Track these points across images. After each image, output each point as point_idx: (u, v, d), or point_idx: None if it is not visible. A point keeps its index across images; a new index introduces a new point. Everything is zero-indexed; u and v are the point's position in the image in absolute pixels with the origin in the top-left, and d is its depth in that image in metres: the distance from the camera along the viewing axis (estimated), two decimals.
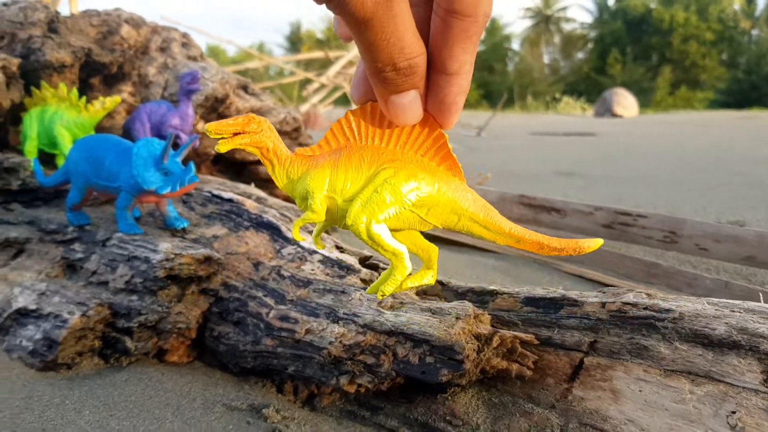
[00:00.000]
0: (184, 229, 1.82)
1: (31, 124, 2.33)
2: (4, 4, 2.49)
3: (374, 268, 1.64)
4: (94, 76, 2.55)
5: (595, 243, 0.82)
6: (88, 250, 1.80)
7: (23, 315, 1.67)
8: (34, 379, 1.46)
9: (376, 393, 1.41)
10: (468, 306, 1.32)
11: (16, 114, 2.45)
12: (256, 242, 1.72)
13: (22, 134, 2.38)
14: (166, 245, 1.61)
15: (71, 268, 1.82)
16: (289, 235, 1.75)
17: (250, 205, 1.92)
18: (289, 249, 1.69)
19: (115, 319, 1.61)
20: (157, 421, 1.27)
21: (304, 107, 8.22)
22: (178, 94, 2.22)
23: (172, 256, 1.58)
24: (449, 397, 1.33)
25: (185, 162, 1.78)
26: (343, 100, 11.55)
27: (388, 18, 0.56)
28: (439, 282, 1.56)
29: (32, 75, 2.46)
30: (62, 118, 2.27)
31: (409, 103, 0.66)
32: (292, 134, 2.65)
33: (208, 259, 1.60)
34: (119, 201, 1.73)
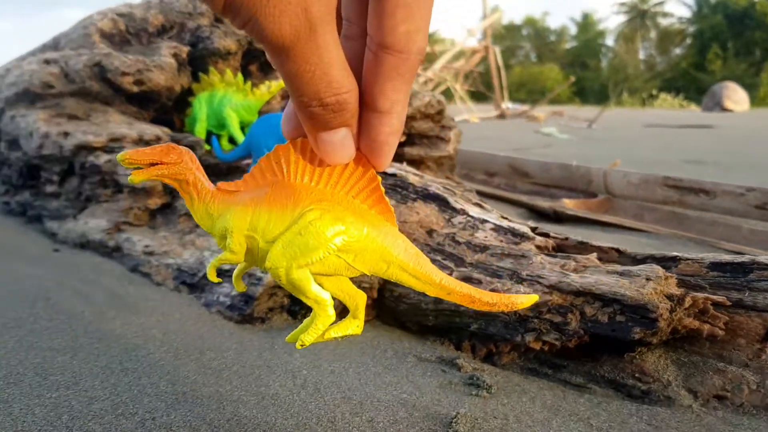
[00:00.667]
0: None
1: (201, 108, 2.53)
2: None
3: (546, 235, 1.71)
4: (252, 63, 2.74)
5: (528, 299, 0.77)
6: None
7: (217, 275, 1.84)
8: (237, 330, 1.62)
9: (557, 352, 1.47)
10: (657, 268, 1.37)
11: (183, 99, 2.67)
12: (426, 212, 1.82)
13: (191, 117, 2.59)
14: None
15: None
16: (457, 205, 1.85)
17: (413, 179, 2.03)
18: (459, 218, 1.78)
19: None
20: (361, 365, 1.39)
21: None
22: None
23: None
24: (636, 356, 1.38)
25: None
26: (447, 94, 11.66)
27: (311, 49, 0.51)
28: (615, 250, 1.61)
29: (199, 62, 2.67)
30: (231, 101, 2.46)
31: (340, 141, 0.61)
32: (435, 117, 2.75)
33: None
34: None
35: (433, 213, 1.83)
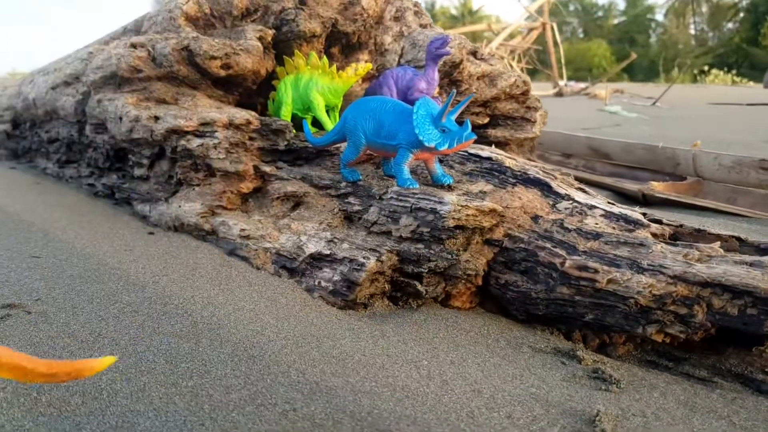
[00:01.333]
0: (450, 185, 1.92)
1: (287, 91, 2.53)
2: None
3: (658, 222, 1.65)
4: (334, 45, 2.73)
5: (101, 363, 0.71)
6: (364, 203, 1.95)
7: (317, 259, 1.84)
8: (344, 316, 1.62)
9: (676, 344, 1.43)
10: None
11: (265, 83, 2.67)
12: (528, 197, 1.79)
13: (276, 101, 2.60)
14: (452, 197, 1.71)
15: (349, 219, 1.98)
16: (560, 190, 1.80)
17: (510, 162, 1.99)
18: (565, 204, 1.74)
19: (403, 265, 1.74)
20: (478, 356, 1.37)
21: None
22: (425, 59, 2.32)
23: (459, 207, 1.68)
24: (766, 350, 1.33)
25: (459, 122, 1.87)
26: None
27: None
28: (736, 238, 1.55)
29: (282, 45, 2.66)
30: (317, 84, 2.45)
31: None
32: (520, 98, 2.70)
33: (492, 211, 1.69)
34: (398, 157, 1.85)
35: (536, 198, 1.79)
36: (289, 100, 2.53)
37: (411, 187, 1.86)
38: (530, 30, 10.95)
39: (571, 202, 1.74)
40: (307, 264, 1.86)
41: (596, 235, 1.58)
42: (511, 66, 10.30)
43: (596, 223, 1.64)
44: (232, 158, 2.24)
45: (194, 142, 2.30)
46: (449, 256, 1.67)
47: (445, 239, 1.68)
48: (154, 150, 2.52)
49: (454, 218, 1.66)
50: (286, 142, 2.31)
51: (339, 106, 2.55)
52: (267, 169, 2.23)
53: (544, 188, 1.83)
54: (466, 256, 1.67)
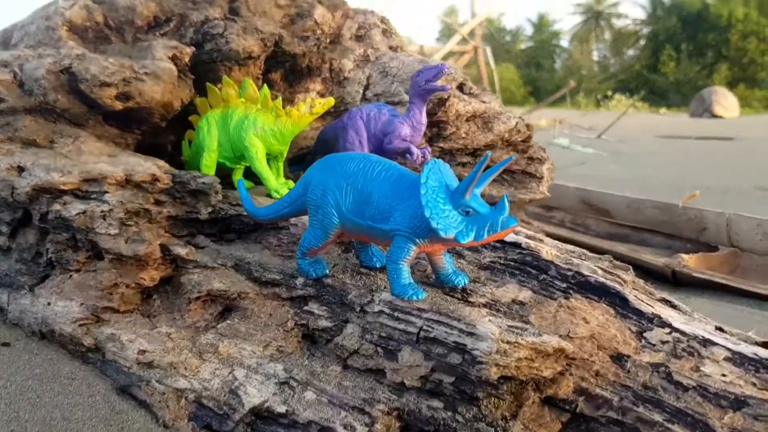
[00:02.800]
0: (464, 288, 1.27)
1: (210, 131, 1.83)
2: None
3: None
4: (275, 69, 2.04)
5: None
6: (336, 315, 1.27)
7: (264, 419, 1.15)
8: None
9: None
10: None
11: (181, 115, 1.96)
12: (597, 318, 1.16)
13: (196, 143, 1.89)
14: (490, 328, 1.06)
15: (311, 339, 1.30)
16: (642, 307, 1.18)
17: (547, 252, 1.36)
18: (660, 333, 1.12)
19: None
20: None
21: None
22: (410, 94, 1.68)
23: (506, 345, 1.03)
24: None
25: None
26: None
27: None
28: None
29: (204, 68, 1.96)
30: (255, 124, 1.76)
31: None
32: (520, 146, 2.08)
33: (558, 352, 1.05)
34: (394, 251, 1.19)
35: (609, 320, 1.16)
36: (213, 145, 1.82)
37: (415, 298, 1.19)
38: (462, 53, 10.54)
39: (668, 330, 1.12)
40: (248, 426, 1.16)
41: (738, 401, 0.96)
42: None
43: (723, 374, 1.02)
44: (128, 234, 1.51)
45: (73, 208, 1.56)
46: (491, 429, 1.01)
47: (481, 397, 1.03)
48: (17, 215, 1.75)
49: (497, 365, 1.01)
50: (210, 209, 1.61)
51: (284, 155, 1.86)
52: (181, 251, 1.51)
53: (617, 302, 1.20)
54: (517, 428, 1.02)
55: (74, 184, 1.59)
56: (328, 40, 2.08)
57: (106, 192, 1.56)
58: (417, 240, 1.17)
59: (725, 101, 14.69)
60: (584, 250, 1.50)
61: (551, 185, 3.06)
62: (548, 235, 2.69)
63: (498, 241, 1.42)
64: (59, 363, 1.45)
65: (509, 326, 1.09)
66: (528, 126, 2.05)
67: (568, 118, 11.09)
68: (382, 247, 1.38)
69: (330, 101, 1.72)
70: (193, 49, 1.90)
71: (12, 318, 1.65)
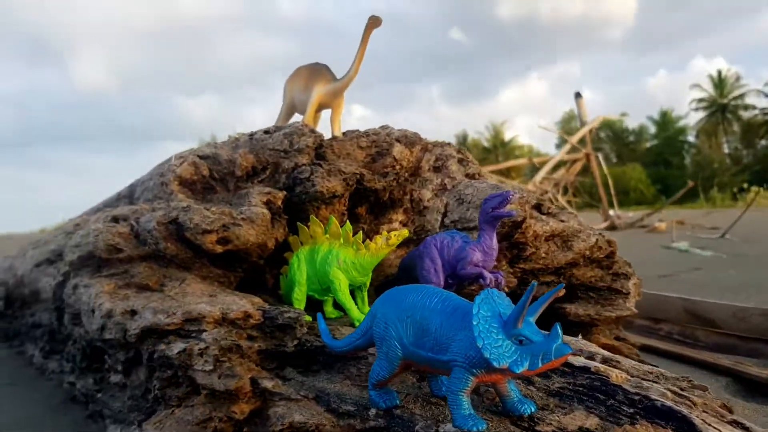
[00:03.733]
0: (531, 416, 1.26)
1: (300, 267, 1.96)
2: (266, 132, 2.24)
3: None
4: (361, 204, 2.19)
5: None
6: None
7: None
8: None
9: None
10: None
11: (280, 251, 2.12)
12: None
13: (289, 279, 2.03)
14: None
15: None
16: (708, 431, 1.12)
17: (617, 377, 1.33)
18: None
19: None
20: None
21: None
22: (479, 220, 1.75)
23: None
24: None
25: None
26: None
27: None
28: None
29: (297, 209, 2.13)
30: (338, 258, 1.88)
31: None
32: (604, 262, 2.07)
33: None
34: (453, 381, 1.22)
35: None
36: (303, 279, 1.95)
37: (475, 429, 1.20)
38: (574, 161, 10.53)
39: None
40: None
41: None
42: (557, 199, 9.81)
43: None
44: (222, 370, 1.63)
45: (175, 347, 1.71)
46: None
47: None
48: (129, 354, 1.94)
49: None
50: (296, 342, 1.71)
51: (368, 284, 1.96)
52: (269, 384, 1.61)
53: (683, 427, 1.15)
54: None
55: (177, 324, 1.75)
56: (407, 174, 2.22)
57: (204, 330, 1.70)
58: (474, 370, 1.19)
59: None
60: (663, 371, 1.45)
61: (654, 296, 2.95)
62: (651, 350, 2.58)
63: (567, 366, 1.41)
64: None
65: None
66: (609, 242, 2.04)
67: (692, 218, 10.60)
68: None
69: (404, 233, 1.81)
70: (285, 193, 2.09)
71: None
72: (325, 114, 2.40)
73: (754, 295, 3.61)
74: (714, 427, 1.15)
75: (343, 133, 2.31)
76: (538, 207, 2.12)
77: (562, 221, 2.06)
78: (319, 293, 1.97)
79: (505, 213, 1.69)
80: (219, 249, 1.98)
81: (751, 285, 3.96)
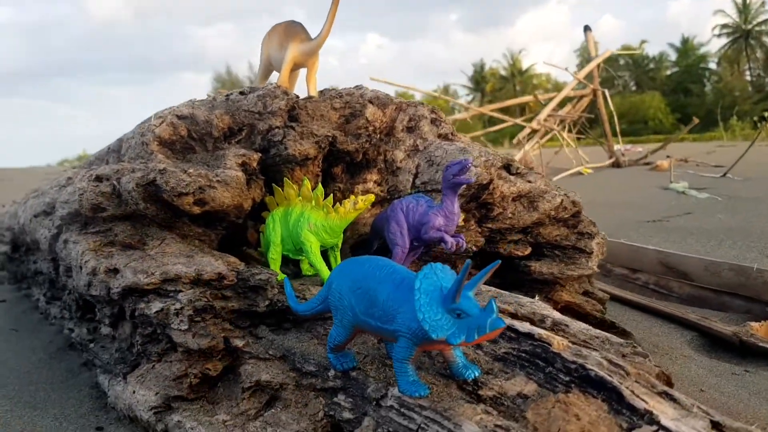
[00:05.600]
0: (475, 380, 1.36)
1: (275, 227, 2.04)
2: (241, 93, 2.27)
3: None
4: (335, 165, 2.24)
5: None
6: (357, 407, 1.40)
7: None
8: None
9: None
10: None
11: (256, 214, 2.20)
12: (590, 415, 1.20)
13: (265, 238, 2.11)
14: (473, 429, 1.14)
15: (337, 429, 1.43)
16: (636, 402, 1.21)
17: (558, 344, 1.41)
18: (646, 430, 1.14)
19: None
20: None
21: (518, 155, 7.65)
22: (442, 186, 1.80)
23: None
24: None
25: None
26: (553, 142, 10.89)
27: None
28: None
29: (272, 169, 2.19)
30: (309, 221, 1.95)
31: None
32: (570, 221, 2.13)
33: None
34: (398, 350, 1.31)
35: (601, 417, 1.20)
36: (277, 240, 2.03)
37: (417, 395, 1.30)
38: (580, 98, 10.38)
39: (655, 427, 1.15)
40: None
41: None
42: (561, 137, 9.74)
43: None
44: (196, 329, 1.73)
45: (154, 306, 1.81)
46: None
47: None
48: (114, 309, 2.05)
49: None
50: (267, 302, 1.80)
51: (339, 245, 2.04)
52: (240, 343, 1.71)
53: (613, 397, 1.24)
54: None
55: (155, 284, 1.84)
56: (381, 134, 2.26)
57: (180, 291, 1.79)
58: (416, 341, 1.28)
59: None
60: (609, 336, 1.53)
61: (631, 247, 3.02)
62: (623, 301, 2.66)
63: (512, 331, 1.49)
64: None
65: (495, 426, 1.17)
66: (574, 203, 2.09)
67: (698, 154, 10.50)
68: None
69: (370, 198, 1.88)
70: (261, 155, 2.14)
71: (110, 402, 1.92)
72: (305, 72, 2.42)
73: (740, 243, 3.66)
74: (641, 398, 1.24)
75: (320, 92, 2.33)
76: (507, 167, 2.16)
77: (530, 182, 2.11)
78: (293, 253, 2.05)
79: (464, 180, 1.74)
80: (197, 210, 2.05)
81: (738, 231, 4.00)
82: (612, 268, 3.05)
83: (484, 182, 2.01)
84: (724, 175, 7.45)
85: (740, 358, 2.06)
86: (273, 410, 1.55)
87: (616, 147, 10.89)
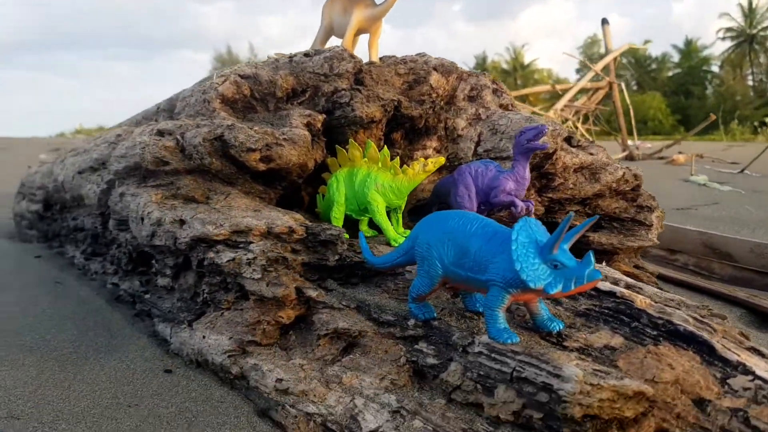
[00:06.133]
0: (559, 333, 1.40)
1: (338, 187, 2.08)
2: (306, 55, 2.30)
3: None
4: (396, 130, 2.27)
5: None
6: (441, 354, 1.44)
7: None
8: None
9: None
10: None
11: (316, 171, 2.23)
12: (683, 365, 1.24)
13: (327, 198, 2.14)
14: (574, 371, 1.18)
15: (420, 374, 1.47)
16: (728, 355, 1.25)
17: (641, 301, 1.45)
18: (743, 380, 1.19)
19: None
20: None
21: None
22: (513, 152, 1.84)
23: (589, 386, 1.15)
24: None
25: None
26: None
27: None
28: None
29: (335, 131, 2.22)
30: (376, 181, 1.98)
31: None
32: (629, 195, 2.17)
33: (639, 394, 1.15)
34: (490, 299, 1.35)
35: (695, 367, 1.24)
36: (341, 200, 2.07)
37: (509, 342, 1.34)
38: (596, 90, 10.42)
39: (750, 377, 1.19)
40: None
41: None
42: (576, 128, 9.77)
43: None
44: (269, 278, 1.77)
45: (224, 256, 1.84)
46: None
47: None
48: (179, 260, 2.08)
49: (580, 404, 1.13)
50: (337, 257, 1.84)
51: (402, 207, 2.07)
52: (313, 293, 1.75)
53: (704, 350, 1.28)
54: None
55: (225, 235, 1.88)
56: (443, 102, 2.29)
57: (251, 242, 1.83)
58: (510, 290, 1.32)
59: None
60: (684, 299, 1.57)
61: (673, 228, 3.06)
62: (667, 279, 2.71)
63: (594, 290, 1.53)
64: (211, 388, 1.72)
65: (594, 369, 1.21)
66: (636, 176, 2.13)
67: (712, 151, 10.55)
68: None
69: (441, 160, 1.91)
70: (325, 116, 2.17)
71: (173, 348, 1.96)
72: (363, 38, 2.45)
73: None
74: (733, 352, 1.28)
75: (380, 59, 2.36)
76: (568, 139, 2.20)
77: (591, 154, 2.15)
78: (356, 213, 2.09)
79: (539, 146, 1.78)
80: (262, 167, 2.08)
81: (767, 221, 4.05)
82: (649, 249, 3.09)
83: (550, 152, 2.05)
84: (743, 171, 7.50)
85: None
86: (351, 356, 1.59)
87: (629, 142, 10.93)
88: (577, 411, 1.13)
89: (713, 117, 9.03)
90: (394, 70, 2.25)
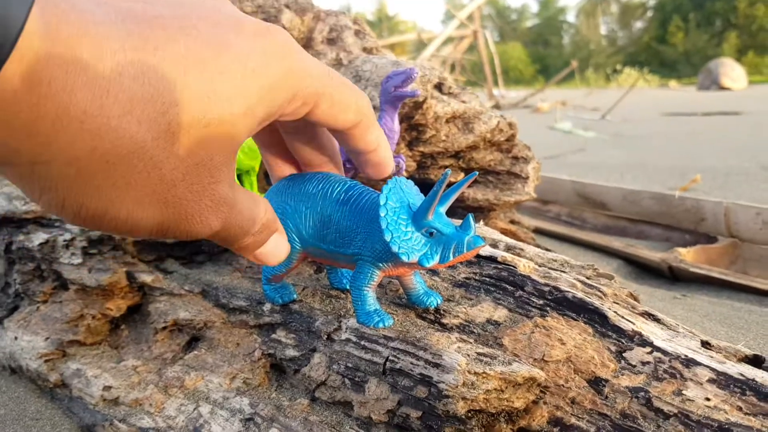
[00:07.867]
0: (437, 309, 1.21)
1: None
2: None
3: None
4: None
5: None
6: (303, 344, 1.21)
7: None
8: None
9: None
10: None
11: None
12: (575, 338, 1.09)
13: None
14: (456, 358, 1.00)
15: (278, 370, 1.24)
16: (622, 324, 1.12)
17: (524, 266, 1.29)
18: (640, 352, 1.05)
19: None
20: None
21: None
22: (380, 101, 1.61)
23: (473, 378, 0.97)
24: None
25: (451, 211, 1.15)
26: None
27: (232, 216, 0.59)
28: None
29: None
30: None
31: (275, 246, 0.76)
32: (504, 145, 2.01)
33: (530, 381, 0.98)
34: (357, 276, 1.13)
35: (587, 340, 1.09)
36: None
37: (381, 326, 1.13)
38: (462, 38, 10.40)
39: (648, 349, 1.05)
40: None
41: (720, 430, 0.90)
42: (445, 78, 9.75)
43: (707, 398, 0.95)
44: (92, 263, 1.46)
45: (36, 238, 1.51)
46: None
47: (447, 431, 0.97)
48: None
49: (464, 398, 0.95)
50: None
51: (256, 169, 1.80)
52: (147, 278, 1.46)
53: (595, 319, 1.13)
54: None
55: (37, 213, 1.54)
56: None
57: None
58: (380, 264, 1.10)
59: (732, 73, 14.39)
60: (567, 258, 1.43)
61: (546, 178, 2.99)
62: (542, 232, 2.63)
63: (477, 259, 1.35)
64: (26, 402, 1.40)
65: (478, 354, 1.02)
66: (511, 124, 1.97)
67: (573, 99, 10.93)
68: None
69: None
70: None
71: None
72: None
73: (641, 176, 3.78)
74: (627, 320, 1.14)
75: None
76: (439, 86, 2.00)
77: (464, 102, 1.97)
78: None
79: (409, 93, 1.56)
80: None
81: (634, 166, 4.14)
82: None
83: (420, 100, 1.84)
84: (603, 117, 7.77)
85: (670, 284, 2.07)
86: (196, 352, 1.33)
87: (495, 91, 11.09)
88: (460, 407, 0.94)
89: (575, 64, 9.29)
90: (240, 7, 1.94)
